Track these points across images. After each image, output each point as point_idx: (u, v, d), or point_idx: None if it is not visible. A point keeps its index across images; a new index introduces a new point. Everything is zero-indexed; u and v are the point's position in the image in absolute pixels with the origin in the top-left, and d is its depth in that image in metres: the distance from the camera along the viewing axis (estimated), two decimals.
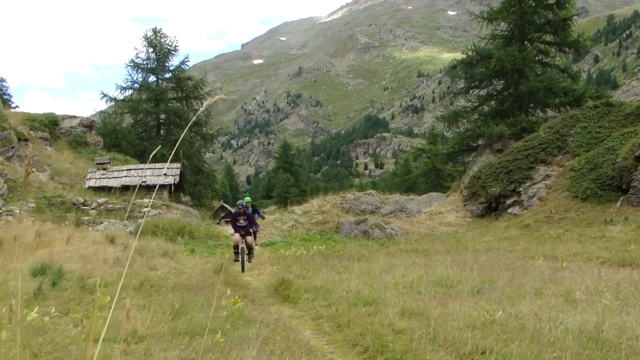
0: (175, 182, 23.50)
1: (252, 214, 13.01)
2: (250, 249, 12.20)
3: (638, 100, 30.02)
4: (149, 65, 35.76)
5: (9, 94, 40.30)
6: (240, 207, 12.43)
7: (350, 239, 18.35)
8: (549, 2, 26.64)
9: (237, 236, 12.07)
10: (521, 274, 8.56)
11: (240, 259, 11.94)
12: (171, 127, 35.82)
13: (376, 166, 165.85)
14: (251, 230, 12.62)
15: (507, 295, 6.90)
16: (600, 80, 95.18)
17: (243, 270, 11.65)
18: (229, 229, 23.47)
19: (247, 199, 15.12)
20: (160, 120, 36.11)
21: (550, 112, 27.02)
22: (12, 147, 22.23)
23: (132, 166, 24.69)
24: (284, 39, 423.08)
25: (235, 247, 12.11)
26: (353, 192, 25.02)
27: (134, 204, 19.29)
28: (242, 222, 12.29)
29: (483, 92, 28.85)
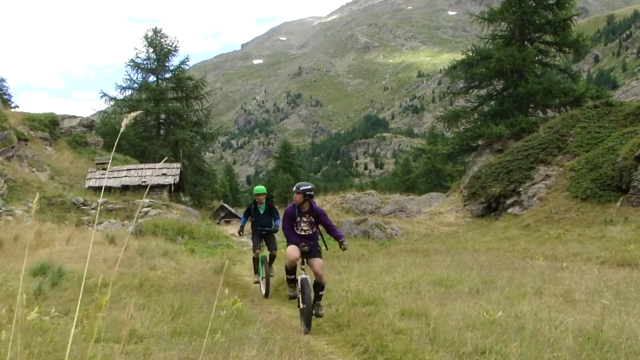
0: (175, 182, 23.52)
1: (323, 213, 6.80)
2: (321, 286, 6.35)
3: (638, 100, 30.04)
4: (149, 65, 35.85)
5: (9, 94, 40.35)
6: (306, 193, 6.45)
7: (350, 239, 18.34)
8: (549, 2, 26.65)
9: (293, 251, 6.37)
10: (521, 274, 8.56)
11: (301, 300, 6.25)
12: (171, 127, 35.89)
13: (376, 166, 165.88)
14: (319, 246, 6.72)
15: (507, 295, 6.90)
16: (600, 80, 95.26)
17: (309, 329, 6.05)
18: (230, 229, 23.45)
19: (260, 188, 9.69)
20: (160, 120, 36.17)
21: (550, 112, 27.03)
22: (12, 147, 22.25)
23: (132, 166, 24.71)
24: (283, 39, 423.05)
25: (291, 271, 6.53)
26: (353, 192, 25.02)
27: (134, 204, 19.29)
28: (304, 226, 6.60)
29: (483, 92, 28.86)
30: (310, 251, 6.42)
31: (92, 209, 18.37)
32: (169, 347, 4.60)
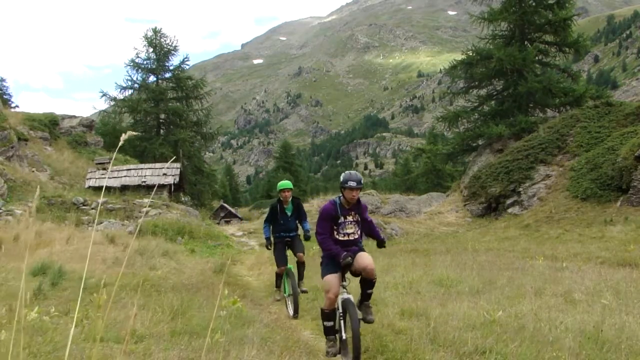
0: (175, 182, 23.52)
1: (366, 207, 5.33)
2: (371, 283, 4.95)
3: (638, 100, 30.03)
4: (149, 65, 35.87)
5: (8, 94, 40.35)
6: (353, 184, 4.86)
7: None
8: (549, 2, 26.64)
9: (334, 285, 4.86)
10: (521, 274, 8.56)
11: (343, 328, 4.81)
12: (171, 127, 35.92)
13: (376, 166, 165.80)
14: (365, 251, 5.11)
15: (507, 295, 6.91)
16: (600, 80, 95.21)
17: None
18: (229, 229, 23.39)
19: (286, 183, 7.84)
20: (160, 120, 36.19)
21: (550, 112, 27.05)
22: (12, 147, 22.24)
23: (132, 166, 24.72)
24: (283, 39, 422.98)
25: (330, 314, 4.87)
26: None
27: (134, 204, 19.29)
28: (349, 229, 5.07)
29: (483, 92, 28.87)
30: (357, 262, 4.91)
31: (92, 208, 18.36)
32: (169, 347, 4.60)
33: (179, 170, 24.16)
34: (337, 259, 4.81)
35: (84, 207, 18.29)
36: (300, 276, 7.85)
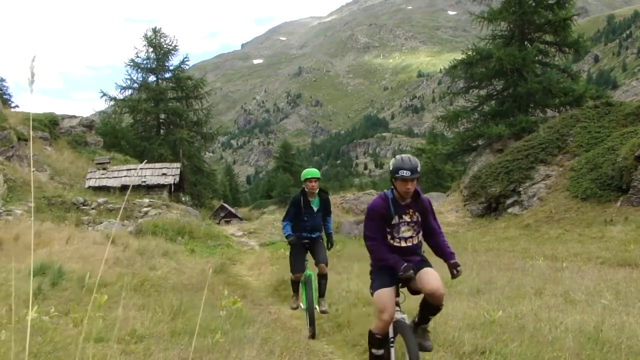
0: (175, 182, 23.52)
1: (431, 206, 4.02)
2: (438, 308, 3.85)
3: (638, 100, 30.04)
4: (148, 65, 35.87)
5: (8, 94, 40.33)
6: (407, 174, 3.63)
7: (350, 239, 18.35)
8: (549, 2, 26.64)
9: (387, 304, 3.81)
10: (521, 274, 8.56)
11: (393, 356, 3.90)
12: (171, 126, 35.92)
13: (376, 166, 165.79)
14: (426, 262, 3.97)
15: (507, 295, 6.91)
16: (600, 80, 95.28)
17: None
18: (229, 229, 23.36)
19: (313, 171, 6.30)
20: (160, 120, 36.20)
21: (550, 112, 27.05)
22: (12, 147, 22.24)
23: (132, 166, 24.73)
24: (283, 38, 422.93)
25: (381, 340, 3.91)
26: (353, 192, 25.06)
27: (134, 203, 19.30)
28: (406, 232, 3.90)
29: (483, 92, 28.86)
30: (421, 275, 3.82)
31: (92, 208, 18.37)
32: (169, 347, 4.60)
33: (179, 170, 24.17)
34: (395, 271, 3.75)
35: (84, 207, 18.30)
36: (322, 292, 6.39)
